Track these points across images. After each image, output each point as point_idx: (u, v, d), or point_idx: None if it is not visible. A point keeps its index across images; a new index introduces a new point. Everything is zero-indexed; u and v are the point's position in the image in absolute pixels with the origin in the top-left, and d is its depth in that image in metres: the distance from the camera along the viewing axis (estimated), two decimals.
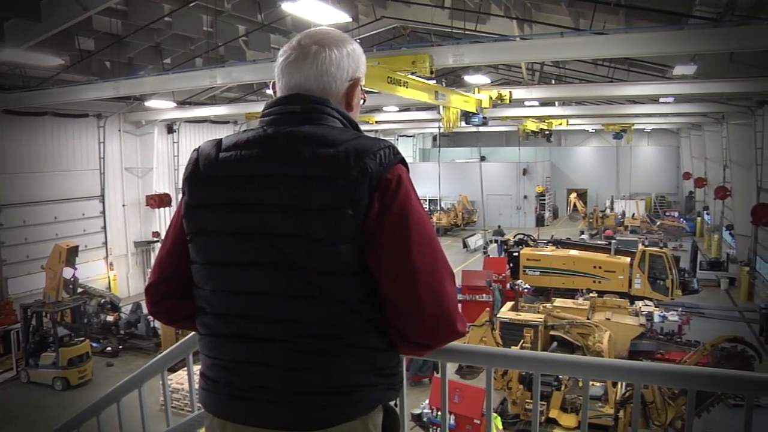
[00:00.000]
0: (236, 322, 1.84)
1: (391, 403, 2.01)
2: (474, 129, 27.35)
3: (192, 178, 1.91)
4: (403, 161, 1.80)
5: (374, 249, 1.71)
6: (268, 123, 1.87)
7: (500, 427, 12.25)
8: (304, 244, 1.71)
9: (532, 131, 34.63)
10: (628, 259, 22.43)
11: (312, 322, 1.75)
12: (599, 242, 29.49)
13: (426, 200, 48.92)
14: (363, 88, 2.05)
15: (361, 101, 2.05)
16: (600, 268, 22.69)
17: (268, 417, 1.81)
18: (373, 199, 1.70)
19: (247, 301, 1.81)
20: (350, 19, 15.06)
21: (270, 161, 1.78)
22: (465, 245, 36.56)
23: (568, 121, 35.19)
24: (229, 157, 1.84)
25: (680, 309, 20.13)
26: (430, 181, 44.77)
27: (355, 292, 1.74)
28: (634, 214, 43.67)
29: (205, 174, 1.88)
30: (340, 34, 1.99)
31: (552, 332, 16.18)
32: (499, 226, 39.78)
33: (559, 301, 19.12)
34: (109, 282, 25.33)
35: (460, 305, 20.61)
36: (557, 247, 25.28)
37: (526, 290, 22.59)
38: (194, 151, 1.97)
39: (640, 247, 23.86)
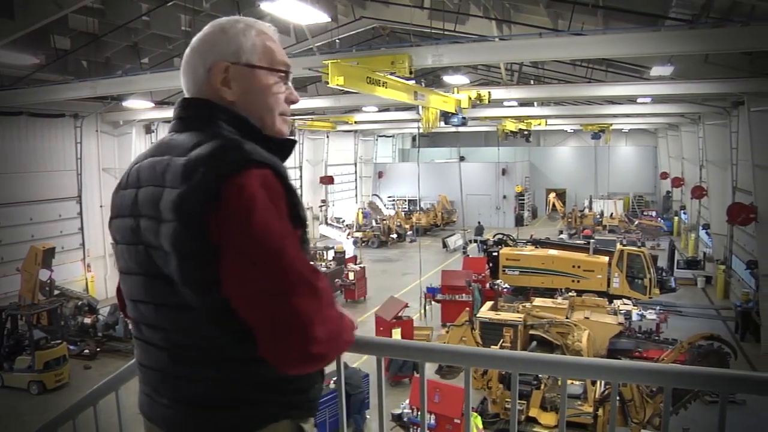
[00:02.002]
0: (138, 328, 1.87)
1: (306, 425, 1.90)
2: (453, 129, 27.44)
3: (114, 191, 1.95)
4: (256, 164, 1.62)
5: (220, 264, 1.60)
6: (169, 131, 1.89)
7: (480, 426, 12.28)
8: (163, 255, 1.67)
9: (511, 131, 34.81)
10: (607, 259, 22.62)
11: (183, 332, 1.73)
12: (578, 242, 29.68)
13: (406, 200, 49.07)
14: (255, 70, 1.85)
15: (278, 89, 1.90)
16: (579, 267, 22.87)
17: (166, 420, 1.84)
18: (210, 211, 1.57)
19: (137, 309, 1.84)
20: (329, 19, 15.06)
21: (146, 171, 1.77)
22: (444, 245, 36.67)
23: (546, 122, 35.43)
24: (131, 168, 1.88)
25: (658, 307, 20.35)
26: (409, 182, 44.96)
27: (217, 303, 1.63)
28: (612, 213, 44.02)
29: (118, 186, 1.93)
30: (213, 22, 1.91)
31: (531, 331, 16.25)
32: (479, 223, 40.02)
33: (538, 301, 19.22)
34: (87, 284, 25.04)
35: (440, 305, 20.77)
36: (536, 247, 25.44)
37: (505, 290, 22.71)
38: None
39: (619, 246, 24.11)
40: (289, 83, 1.96)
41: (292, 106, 1.97)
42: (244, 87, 1.83)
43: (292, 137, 1.95)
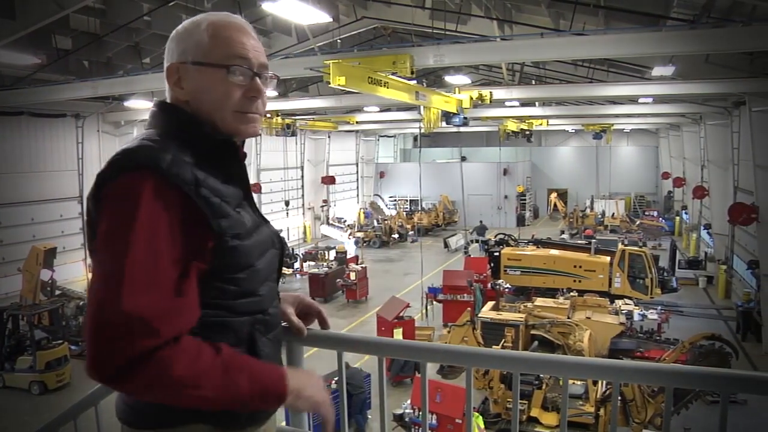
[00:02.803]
0: None
1: None
2: (455, 129, 27.42)
3: None
4: (138, 168, 1.59)
5: None
6: None
7: (482, 426, 12.28)
8: None
9: (513, 131, 34.80)
10: (608, 259, 22.61)
11: None
12: (579, 242, 29.69)
13: (407, 200, 49.09)
14: (201, 67, 1.78)
15: (230, 85, 1.78)
16: (580, 267, 22.87)
17: (116, 404, 1.88)
18: (96, 209, 1.62)
19: None
20: (330, 19, 15.04)
21: None
22: (446, 245, 36.68)
23: (548, 122, 35.40)
24: None
25: (659, 307, 20.36)
26: (411, 182, 44.93)
27: None
28: (613, 213, 44.05)
29: None
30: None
31: (533, 331, 16.24)
32: (481, 222, 40.00)
33: (539, 301, 19.22)
34: (88, 284, 25.03)
35: (441, 305, 20.76)
36: (538, 247, 25.43)
37: (506, 290, 22.70)
38: None
39: (620, 246, 24.11)
40: (260, 76, 1.85)
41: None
42: (194, 85, 1.80)
43: (228, 138, 1.83)
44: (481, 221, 40.47)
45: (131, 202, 1.54)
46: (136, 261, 1.50)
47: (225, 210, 1.70)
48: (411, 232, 40.43)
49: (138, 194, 1.55)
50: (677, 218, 42.10)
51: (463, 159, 42.27)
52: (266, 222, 1.97)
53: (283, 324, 2.13)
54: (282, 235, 2.00)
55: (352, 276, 25.38)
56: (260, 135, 32.51)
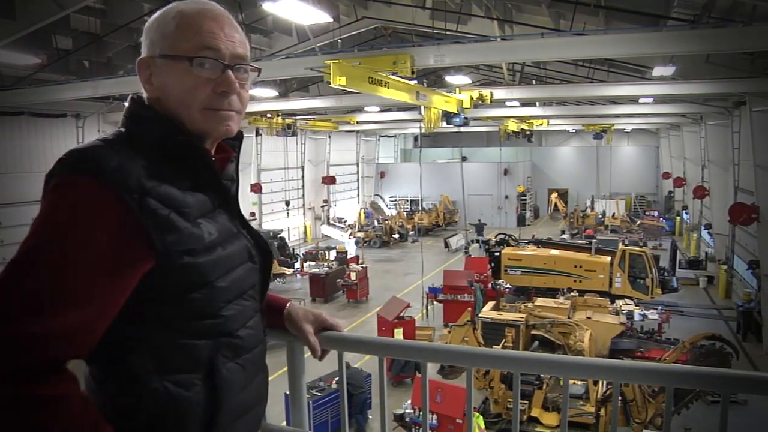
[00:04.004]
0: None
1: None
2: (455, 129, 27.44)
3: None
4: (74, 171, 1.47)
5: None
6: None
7: (482, 426, 12.29)
8: None
9: (513, 131, 34.75)
10: (609, 259, 22.61)
11: None
12: (580, 242, 29.68)
13: (408, 200, 49.10)
14: (167, 60, 1.65)
15: (196, 79, 1.63)
16: (581, 267, 22.86)
17: None
18: None
19: None
20: (331, 20, 15.05)
21: None
22: (446, 245, 36.68)
23: (548, 122, 35.35)
24: None
25: (660, 307, 20.36)
26: (411, 182, 44.92)
27: None
28: (614, 213, 44.04)
29: None
30: None
31: (533, 331, 16.25)
32: (479, 220, 40.03)
33: (540, 301, 19.22)
34: None
35: (441, 305, 20.74)
36: (538, 247, 25.42)
37: (507, 290, 22.70)
38: None
39: (621, 246, 24.11)
40: (233, 69, 1.67)
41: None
42: (162, 81, 1.66)
43: (192, 139, 1.65)
44: (479, 219, 40.53)
45: (58, 207, 1.44)
46: (38, 270, 1.37)
47: (174, 223, 1.51)
48: (411, 232, 40.43)
49: (66, 198, 1.43)
50: (678, 218, 42.10)
51: (464, 159, 42.28)
52: (248, 231, 1.81)
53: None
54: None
55: (353, 276, 25.38)
56: (254, 135, 32.50)
